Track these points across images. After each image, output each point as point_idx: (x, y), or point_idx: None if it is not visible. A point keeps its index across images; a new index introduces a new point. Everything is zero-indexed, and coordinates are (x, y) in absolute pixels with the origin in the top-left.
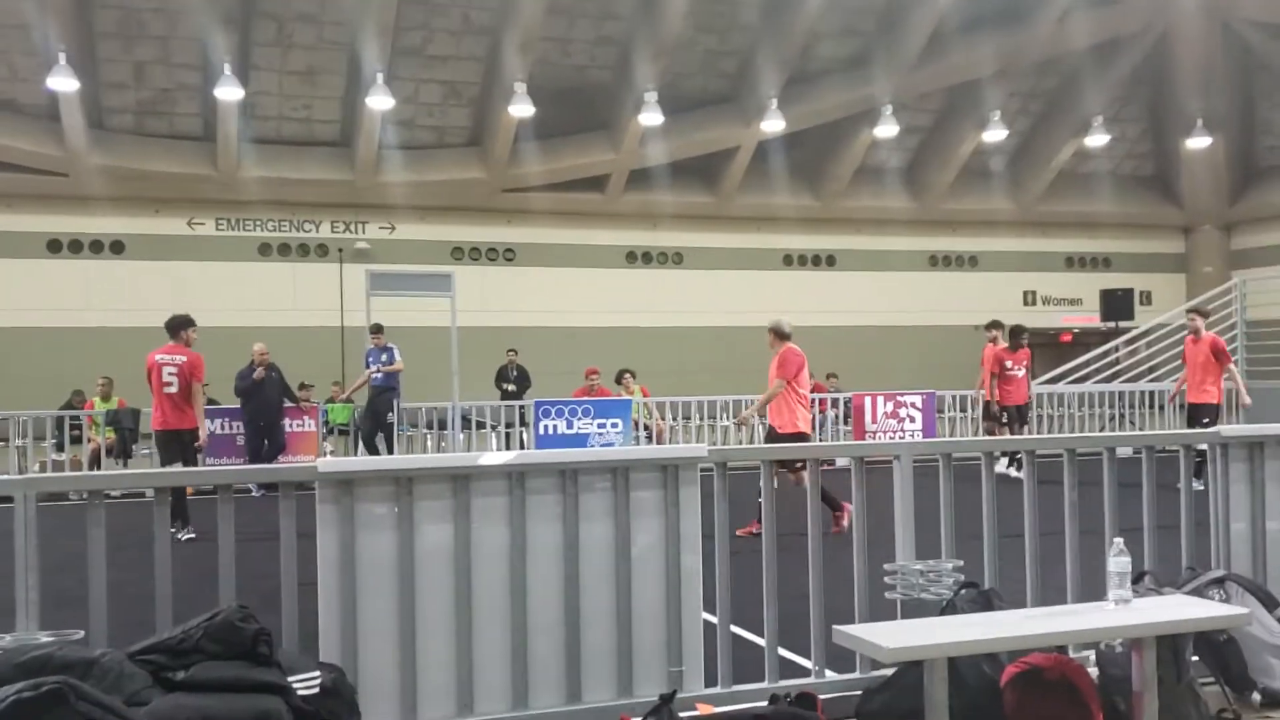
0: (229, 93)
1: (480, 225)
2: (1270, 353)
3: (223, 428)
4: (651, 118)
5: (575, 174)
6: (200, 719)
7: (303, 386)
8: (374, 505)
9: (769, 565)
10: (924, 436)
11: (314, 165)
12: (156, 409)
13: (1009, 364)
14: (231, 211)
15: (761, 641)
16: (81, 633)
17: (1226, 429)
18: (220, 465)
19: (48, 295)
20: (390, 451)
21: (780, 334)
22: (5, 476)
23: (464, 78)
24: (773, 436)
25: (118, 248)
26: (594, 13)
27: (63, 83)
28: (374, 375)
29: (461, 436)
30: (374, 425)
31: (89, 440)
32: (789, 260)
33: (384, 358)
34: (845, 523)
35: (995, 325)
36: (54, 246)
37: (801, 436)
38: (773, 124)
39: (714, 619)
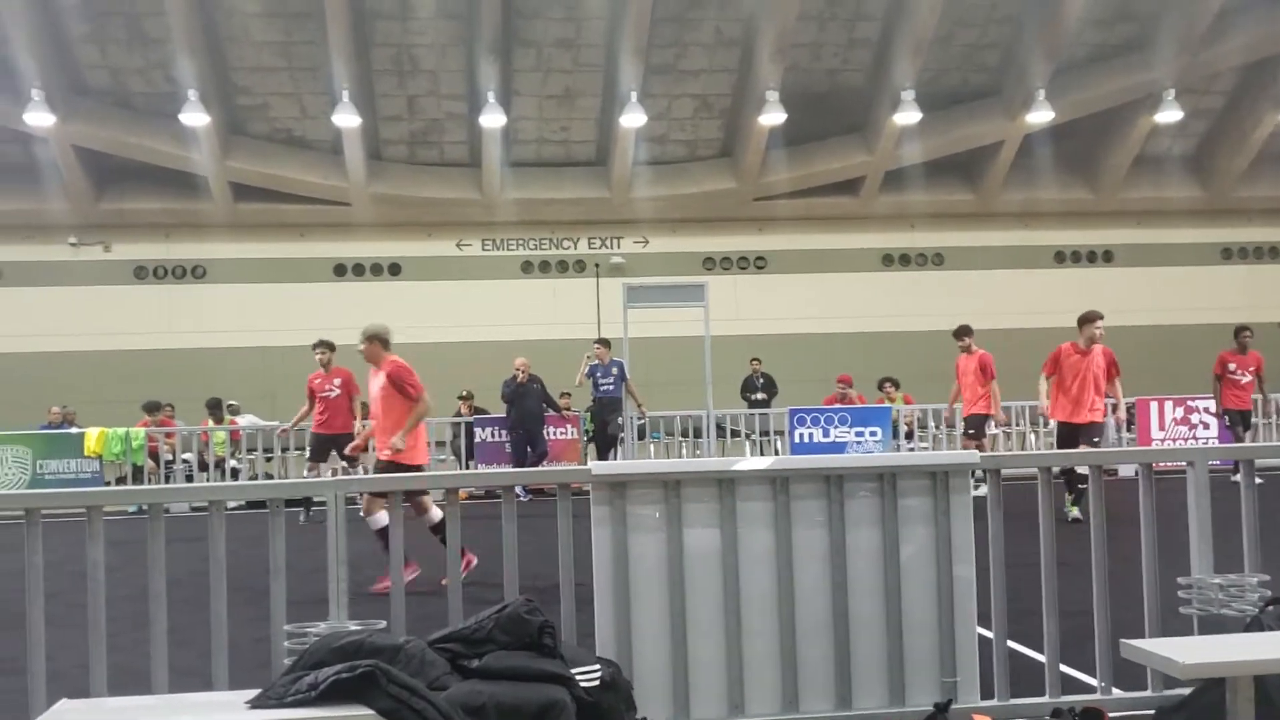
0: (493, 120)
1: (731, 235)
2: None
3: (491, 435)
4: (908, 116)
5: (826, 179)
6: (494, 704)
7: (564, 395)
8: (644, 507)
9: (1048, 577)
10: (1220, 443)
11: (571, 185)
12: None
13: (1233, 366)
14: (495, 232)
15: (1040, 657)
16: (384, 623)
17: None
18: (492, 470)
19: (334, 316)
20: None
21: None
22: (318, 480)
23: (715, 90)
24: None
25: (395, 270)
26: (846, 15)
27: (346, 119)
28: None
29: (717, 444)
30: (605, 438)
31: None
32: (1060, 257)
33: (615, 371)
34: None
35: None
36: (339, 270)
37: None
38: (1040, 115)
39: (989, 633)
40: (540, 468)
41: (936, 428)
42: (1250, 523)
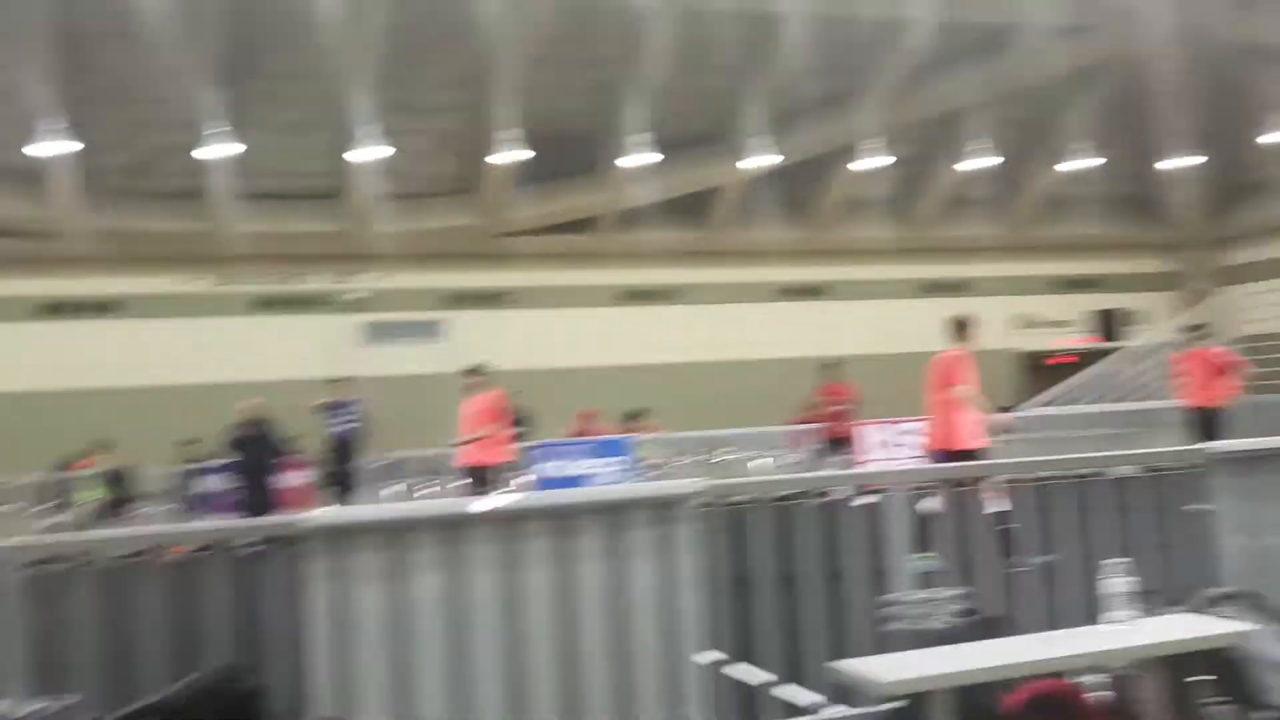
0: (222, 150)
1: (474, 271)
2: (1266, 366)
3: (217, 484)
4: (640, 158)
5: (567, 216)
6: None
7: (295, 439)
8: (365, 556)
9: (771, 602)
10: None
11: (307, 218)
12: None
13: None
14: (226, 267)
15: (764, 678)
16: (79, 696)
17: (1221, 445)
18: (211, 522)
19: (44, 356)
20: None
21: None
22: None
23: (454, 126)
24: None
25: (113, 307)
26: (580, 60)
27: (56, 147)
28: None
29: (461, 484)
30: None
31: (82, 502)
32: (783, 292)
33: (351, 410)
34: None
35: None
36: (47, 308)
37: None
38: (759, 160)
39: (716, 658)
40: (256, 520)
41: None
42: (945, 538)
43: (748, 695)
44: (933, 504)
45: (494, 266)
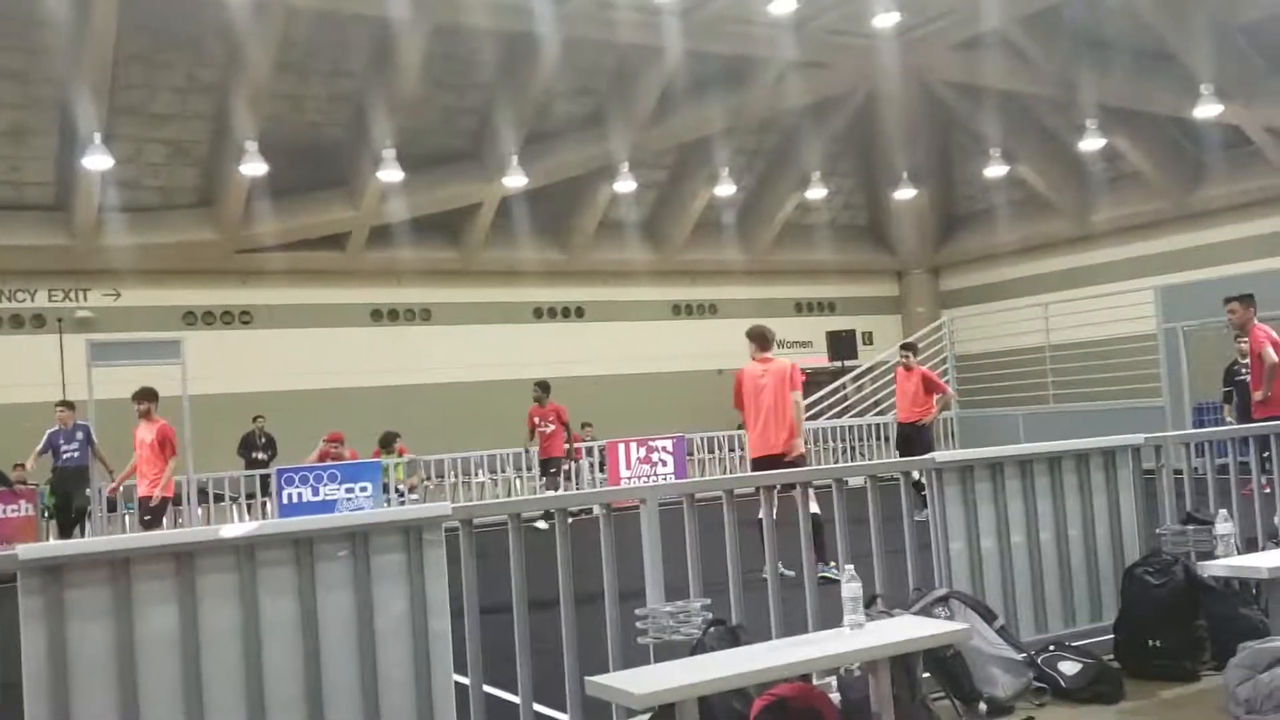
0: None
1: (214, 288)
2: (977, 384)
3: None
4: (391, 174)
5: (314, 232)
6: None
7: (17, 466)
8: (87, 592)
9: (520, 621)
10: (676, 479)
11: (26, 231)
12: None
13: (538, 420)
14: None
15: (516, 700)
16: None
17: (940, 455)
18: None
19: None
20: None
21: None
22: None
23: (190, 136)
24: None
25: None
26: (326, 70)
27: None
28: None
29: (200, 511)
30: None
31: None
32: (539, 313)
33: (80, 437)
34: None
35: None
36: None
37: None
38: (514, 180)
39: (468, 681)
40: None
41: (430, 479)
42: (694, 553)
43: (499, 716)
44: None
45: (236, 284)
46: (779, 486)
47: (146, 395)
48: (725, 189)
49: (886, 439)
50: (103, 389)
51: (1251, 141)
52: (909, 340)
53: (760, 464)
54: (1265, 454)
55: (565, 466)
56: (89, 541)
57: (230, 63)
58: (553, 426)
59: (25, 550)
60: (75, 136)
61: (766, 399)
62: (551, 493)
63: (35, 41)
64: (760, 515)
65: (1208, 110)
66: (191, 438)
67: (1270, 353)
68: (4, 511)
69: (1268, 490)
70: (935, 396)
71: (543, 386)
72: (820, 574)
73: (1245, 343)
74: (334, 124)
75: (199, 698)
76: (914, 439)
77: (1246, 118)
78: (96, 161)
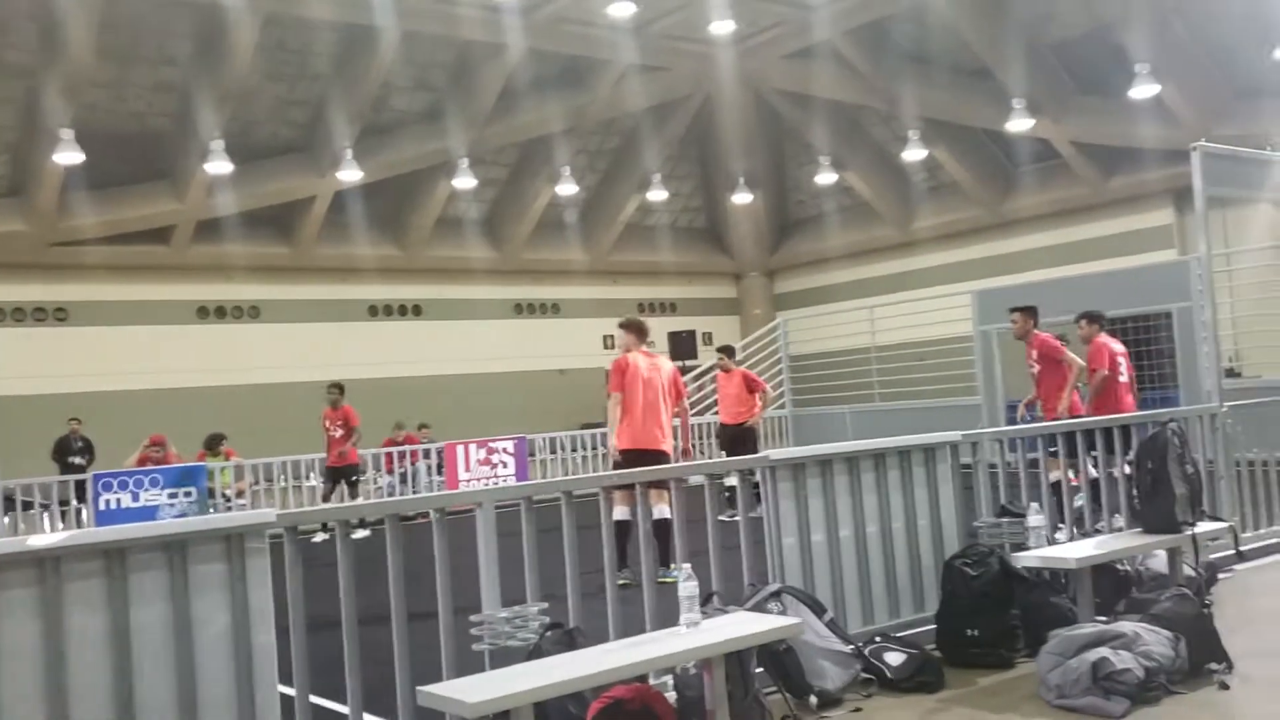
0: None
1: (25, 283)
2: (809, 383)
3: None
4: (218, 167)
5: (136, 226)
6: None
7: None
8: None
9: (349, 631)
10: (518, 480)
11: None
12: None
13: (328, 422)
14: None
15: (345, 710)
16: None
17: (774, 453)
18: None
19: None
20: None
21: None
22: None
23: (1, 121)
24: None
25: None
26: (149, 57)
27: None
28: None
29: (6, 520)
30: None
31: None
32: (374, 311)
33: None
34: None
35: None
36: None
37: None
38: (348, 174)
39: (293, 693)
40: None
41: (258, 483)
42: (531, 557)
43: None
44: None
45: (49, 278)
46: (638, 485)
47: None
48: (567, 188)
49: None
50: None
51: (1059, 154)
52: (726, 344)
53: (630, 456)
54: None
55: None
56: None
57: (45, 46)
58: (345, 431)
59: None
60: None
61: (651, 393)
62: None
63: None
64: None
65: (1020, 124)
66: None
67: (1071, 357)
68: None
69: (1075, 483)
70: (757, 395)
71: (338, 388)
72: (660, 578)
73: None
74: (159, 114)
75: None
76: (740, 439)
77: (1055, 132)
78: None
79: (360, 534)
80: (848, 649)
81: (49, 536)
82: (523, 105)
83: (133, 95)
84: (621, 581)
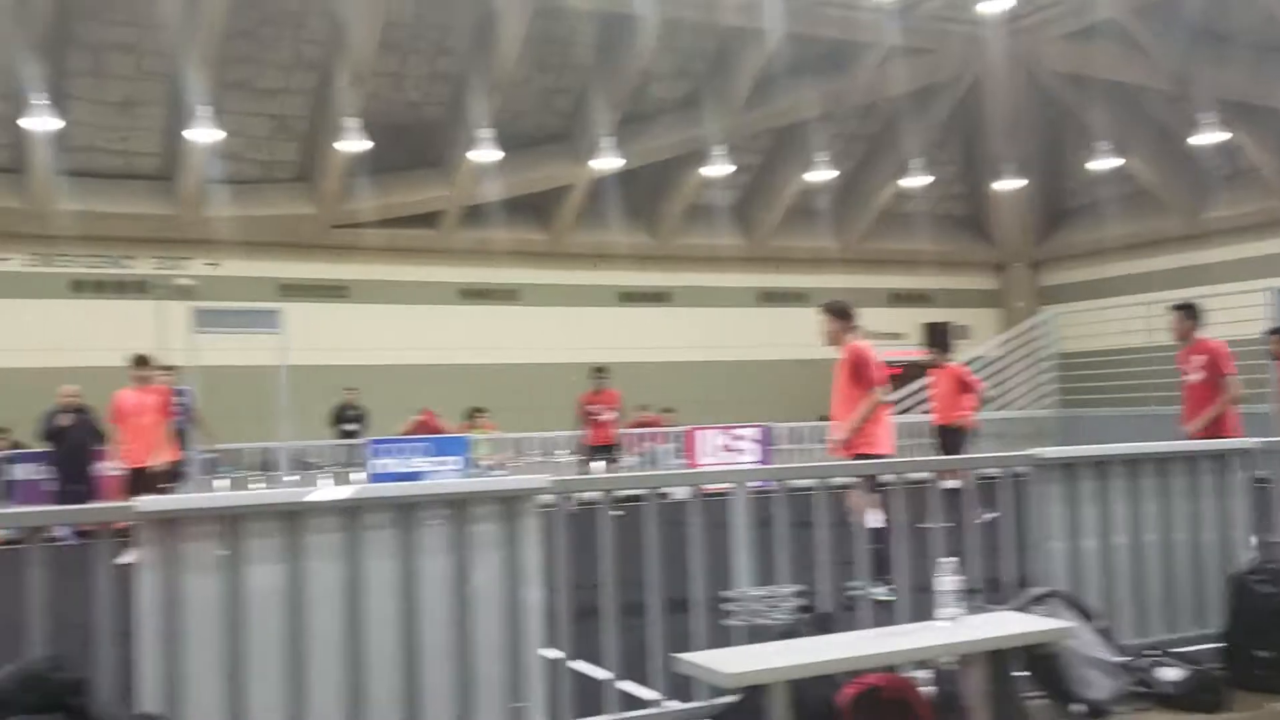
0: (41, 123)
1: (310, 261)
2: (1079, 383)
3: (32, 473)
4: (485, 155)
5: (408, 210)
6: None
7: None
8: (198, 545)
9: (609, 598)
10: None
11: (133, 199)
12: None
13: (591, 407)
14: (43, 246)
15: (604, 674)
16: None
17: (1045, 451)
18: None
19: None
20: None
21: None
22: None
23: (293, 111)
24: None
25: None
26: (427, 49)
27: None
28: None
29: (294, 478)
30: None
31: None
32: (624, 297)
33: (183, 401)
34: None
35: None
36: None
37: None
38: (606, 162)
39: (558, 654)
40: (84, 505)
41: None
42: (785, 540)
43: (586, 691)
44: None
45: (331, 258)
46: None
47: (146, 362)
48: (820, 175)
49: (996, 436)
50: (203, 355)
51: None
52: (940, 338)
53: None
54: None
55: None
56: (202, 497)
57: (335, 40)
58: (609, 413)
59: (143, 503)
60: (183, 109)
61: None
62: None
63: (147, 15)
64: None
65: None
66: (288, 406)
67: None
68: (105, 469)
69: None
70: (973, 394)
71: (603, 371)
72: (875, 596)
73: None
74: (433, 103)
75: (302, 650)
76: (949, 440)
77: None
78: (202, 134)
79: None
80: (1118, 660)
81: (349, 488)
82: (779, 91)
83: (411, 85)
84: (883, 596)
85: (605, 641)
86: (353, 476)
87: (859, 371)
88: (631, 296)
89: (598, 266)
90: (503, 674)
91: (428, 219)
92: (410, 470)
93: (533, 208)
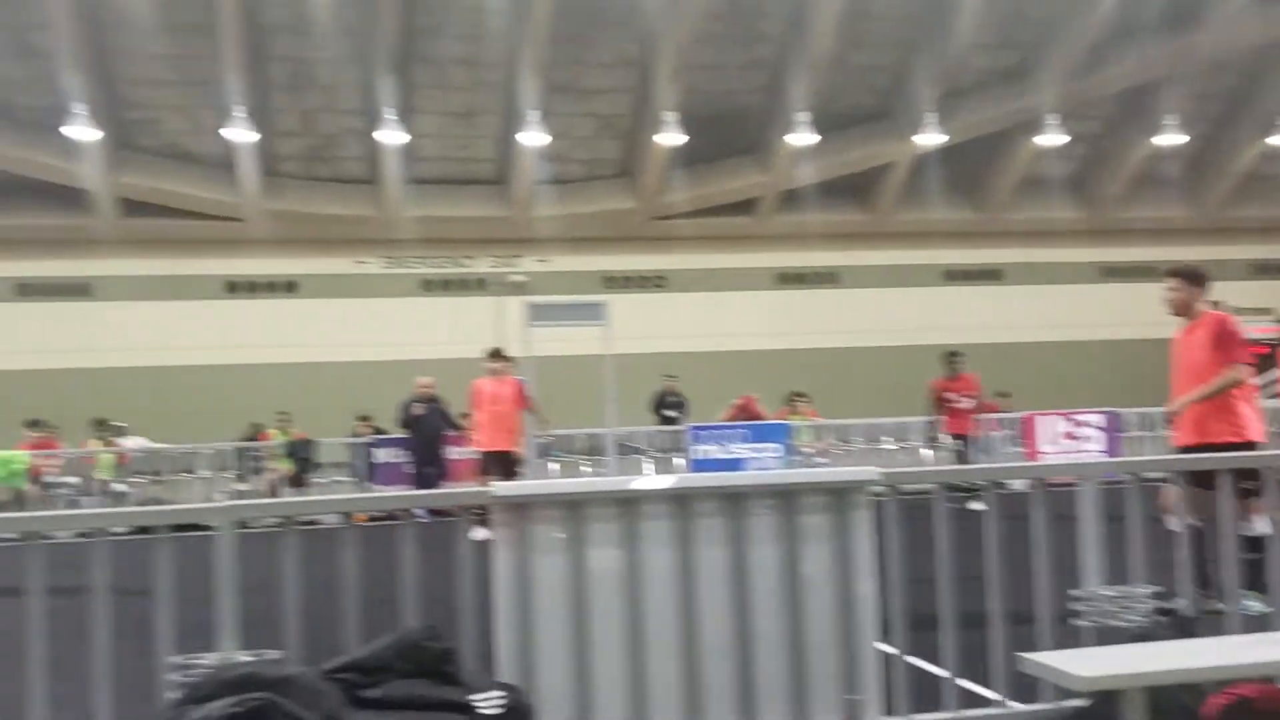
0: (392, 136)
1: (631, 254)
2: None
3: (391, 457)
4: (803, 138)
5: (725, 199)
6: None
7: (465, 415)
8: (546, 528)
9: (946, 592)
10: (1109, 458)
11: (471, 203)
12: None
13: (951, 394)
14: (394, 250)
15: (941, 672)
16: (280, 652)
17: None
18: (391, 492)
19: (227, 333)
20: None
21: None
22: (206, 505)
23: (615, 110)
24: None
25: (291, 287)
26: (742, 37)
27: (240, 134)
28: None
29: (618, 462)
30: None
31: (269, 470)
32: (950, 275)
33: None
34: None
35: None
36: (231, 288)
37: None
38: (929, 138)
39: (891, 649)
40: (441, 489)
41: (836, 443)
42: (1139, 537)
43: (924, 686)
44: (1263, 526)
45: (650, 249)
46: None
47: (501, 354)
48: (1170, 139)
49: None
50: (536, 346)
51: None
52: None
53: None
54: None
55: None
56: (548, 483)
57: (652, 36)
58: (969, 399)
59: (498, 488)
60: (515, 114)
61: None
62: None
63: (482, 28)
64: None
65: None
66: (614, 394)
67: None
68: (455, 454)
69: None
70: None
71: (959, 355)
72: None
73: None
74: (748, 90)
75: (641, 629)
76: None
77: None
78: (533, 137)
79: (976, 506)
80: None
81: (667, 478)
82: (1119, 53)
83: (726, 75)
84: (1257, 609)
85: (942, 638)
86: (675, 462)
87: (1223, 343)
88: (957, 275)
89: (920, 245)
90: (836, 665)
91: (744, 206)
92: (730, 457)
93: (851, 188)
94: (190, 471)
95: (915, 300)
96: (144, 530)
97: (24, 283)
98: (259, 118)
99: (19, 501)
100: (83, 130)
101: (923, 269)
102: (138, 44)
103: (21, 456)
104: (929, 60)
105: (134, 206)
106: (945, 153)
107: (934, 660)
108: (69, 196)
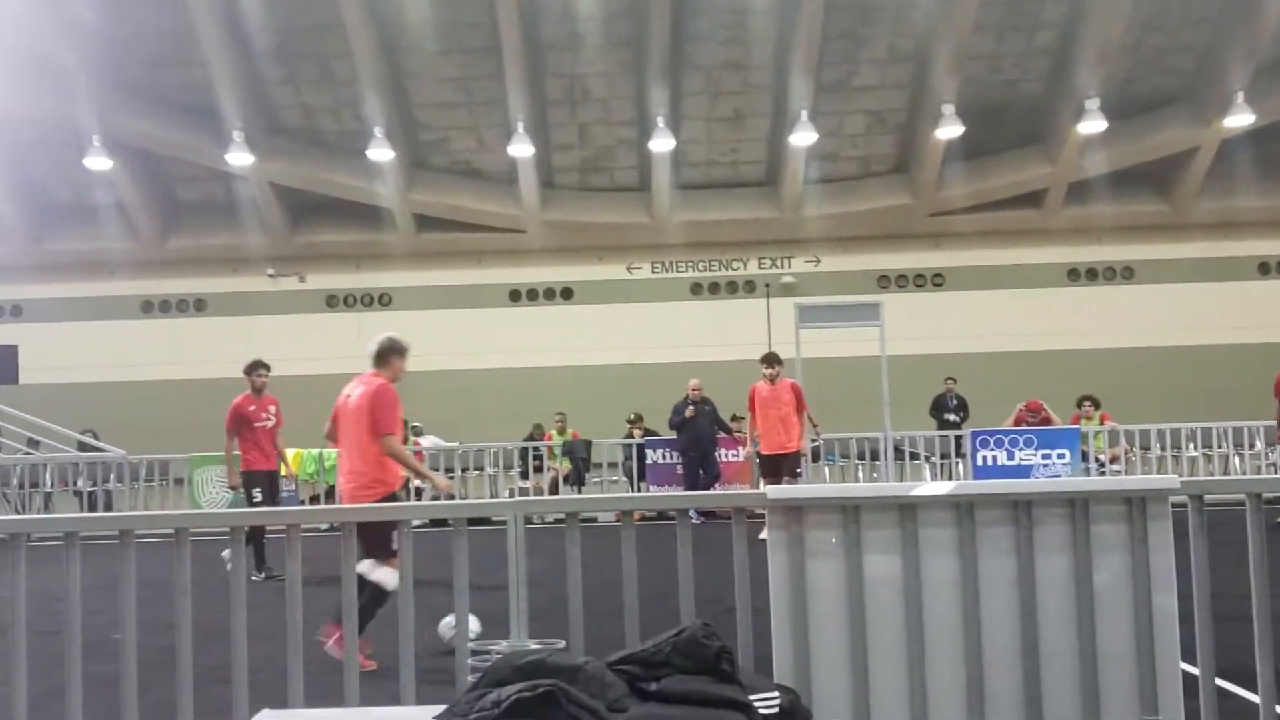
0: (662, 144)
1: (906, 252)
2: None
3: (662, 458)
4: (1093, 125)
5: (1006, 192)
6: None
7: (735, 419)
8: (821, 533)
9: (1259, 612)
10: None
11: (740, 205)
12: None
13: None
14: (664, 255)
15: (1253, 698)
16: (564, 642)
17: None
18: (666, 493)
19: (509, 339)
20: None
21: None
22: (498, 500)
23: (889, 105)
24: None
25: (567, 294)
26: (1024, 24)
27: (521, 149)
28: None
29: (894, 466)
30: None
31: (549, 469)
32: (1266, 268)
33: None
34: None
35: None
36: (514, 296)
37: None
38: (1239, 119)
39: (1194, 670)
40: (713, 491)
41: (1131, 450)
42: None
43: (1235, 713)
44: None
45: (927, 246)
46: None
47: (776, 359)
48: None
49: None
50: (807, 349)
51: None
52: None
53: None
54: None
55: None
56: (824, 487)
57: (929, 30)
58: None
59: (773, 491)
60: (784, 115)
61: None
62: None
63: (752, 31)
64: None
65: None
66: (888, 397)
67: None
68: (726, 456)
69: None
70: None
71: None
72: None
73: None
74: (1031, 79)
75: (920, 639)
76: None
77: None
78: (803, 137)
79: None
80: None
81: (948, 485)
82: None
83: (1007, 64)
84: None
85: (1256, 661)
86: (956, 468)
87: None
88: (1274, 267)
89: (1228, 236)
90: (1133, 683)
91: (1029, 199)
92: (1016, 463)
93: (1147, 177)
94: (480, 469)
95: (1224, 296)
96: (440, 523)
97: (332, 294)
98: (537, 133)
99: (331, 497)
100: (381, 152)
101: (1233, 262)
102: (428, 68)
103: (332, 454)
104: (1237, 36)
105: (427, 221)
106: (1256, 134)
107: (1247, 686)
108: (370, 214)
